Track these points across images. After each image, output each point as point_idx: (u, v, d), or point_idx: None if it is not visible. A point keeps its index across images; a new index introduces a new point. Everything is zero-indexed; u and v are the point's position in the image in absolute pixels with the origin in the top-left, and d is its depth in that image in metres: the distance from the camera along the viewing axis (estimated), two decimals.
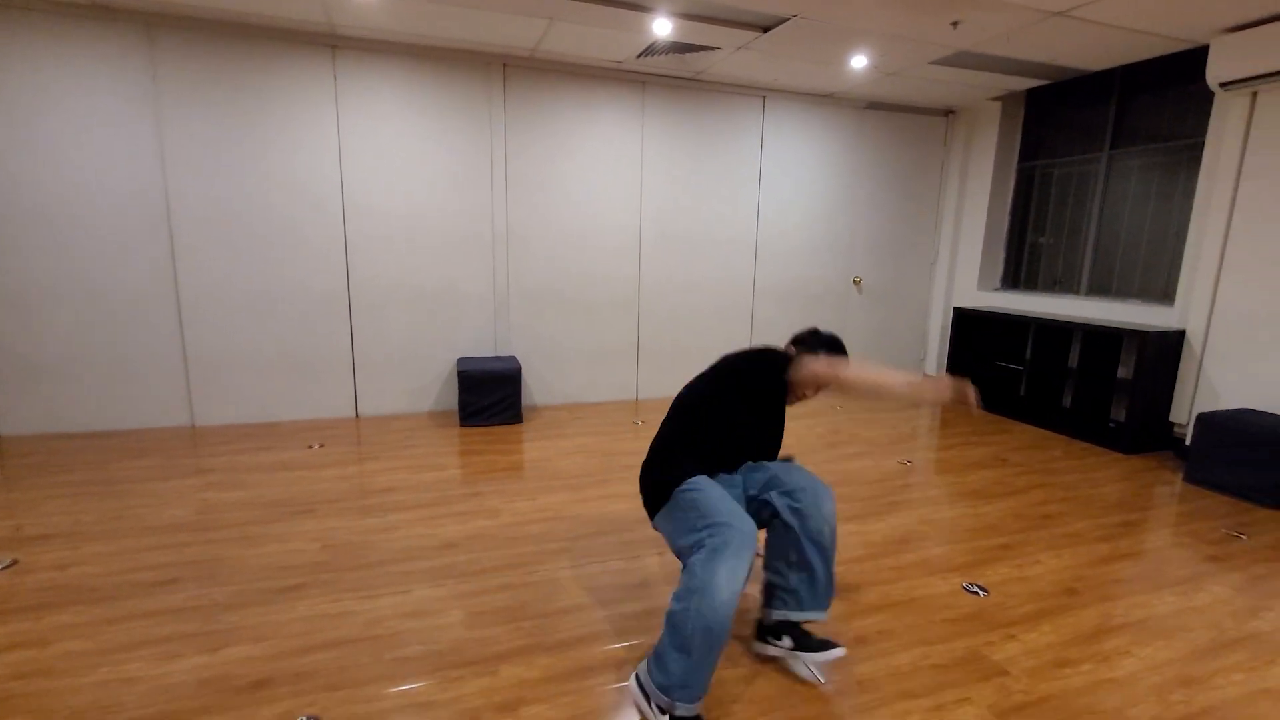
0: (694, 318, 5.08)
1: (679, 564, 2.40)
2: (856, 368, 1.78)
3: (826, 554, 1.73)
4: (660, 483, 1.75)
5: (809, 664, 1.78)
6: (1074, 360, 4.55)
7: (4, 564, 2.25)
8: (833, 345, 1.94)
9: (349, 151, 4.02)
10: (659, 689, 1.50)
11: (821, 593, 1.76)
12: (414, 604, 2.08)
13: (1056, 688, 1.76)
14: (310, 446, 3.67)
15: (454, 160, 4.25)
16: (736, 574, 1.48)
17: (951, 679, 1.78)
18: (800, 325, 5.42)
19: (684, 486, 1.69)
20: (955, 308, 5.23)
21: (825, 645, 1.73)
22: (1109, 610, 2.16)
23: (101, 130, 3.57)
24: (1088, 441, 4.16)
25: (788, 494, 1.75)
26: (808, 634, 1.77)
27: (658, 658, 1.53)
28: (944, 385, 1.72)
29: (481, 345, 4.54)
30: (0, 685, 1.65)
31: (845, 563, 2.44)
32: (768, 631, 1.83)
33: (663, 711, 1.51)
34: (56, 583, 2.15)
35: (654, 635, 1.94)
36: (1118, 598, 2.24)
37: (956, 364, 5.21)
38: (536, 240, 4.54)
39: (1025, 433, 4.37)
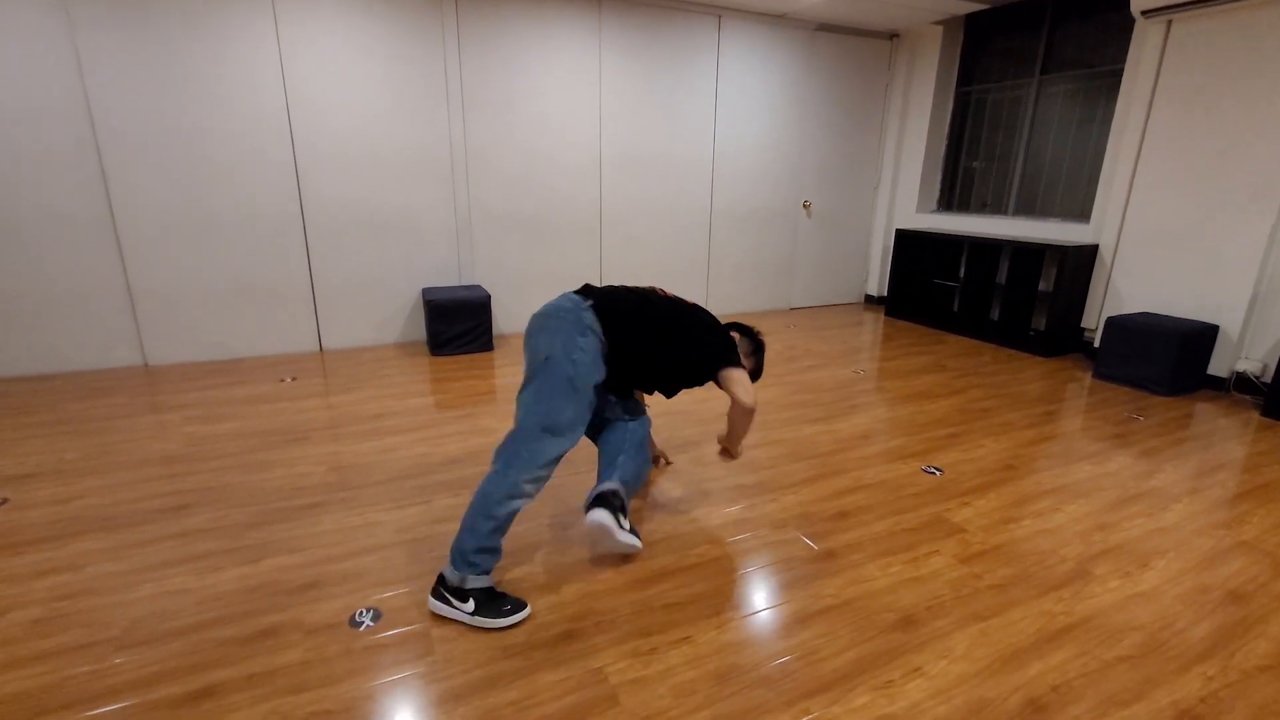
0: (655, 240, 5.17)
1: (677, 463, 2.62)
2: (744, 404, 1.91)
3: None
4: (573, 334, 1.83)
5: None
6: (1002, 276, 4.98)
7: None
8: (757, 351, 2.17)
9: (292, 66, 3.75)
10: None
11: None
12: (438, 512, 2.21)
13: (1005, 538, 2.11)
14: (282, 380, 3.61)
15: (406, 79, 4.05)
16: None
17: (922, 538, 2.10)
18: (755, 249, 5.62)
19: (583, 368, 1.76)
20: (897, 229, 5.55)
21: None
22: (1040, 480, 2.55)
23: (2, 38, 3.18)
24: (1012, 348, 4.64)
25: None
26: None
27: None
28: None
29: (445, 273, 4.48)
30: (48, 605, 1.68)
31: (820, 455, 2.73)
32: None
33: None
34: (62, 515, 2.13)
35: (660, 523, 2.17)
36: (1046, 470, 2.64)
37: (898, 283, 5.59)
38: (497, 162, 4.44)
39: (959, 343, 4.81)
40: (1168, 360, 3.58)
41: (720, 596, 1.79)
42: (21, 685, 1.42)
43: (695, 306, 2.01)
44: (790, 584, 1.85)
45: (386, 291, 4.36)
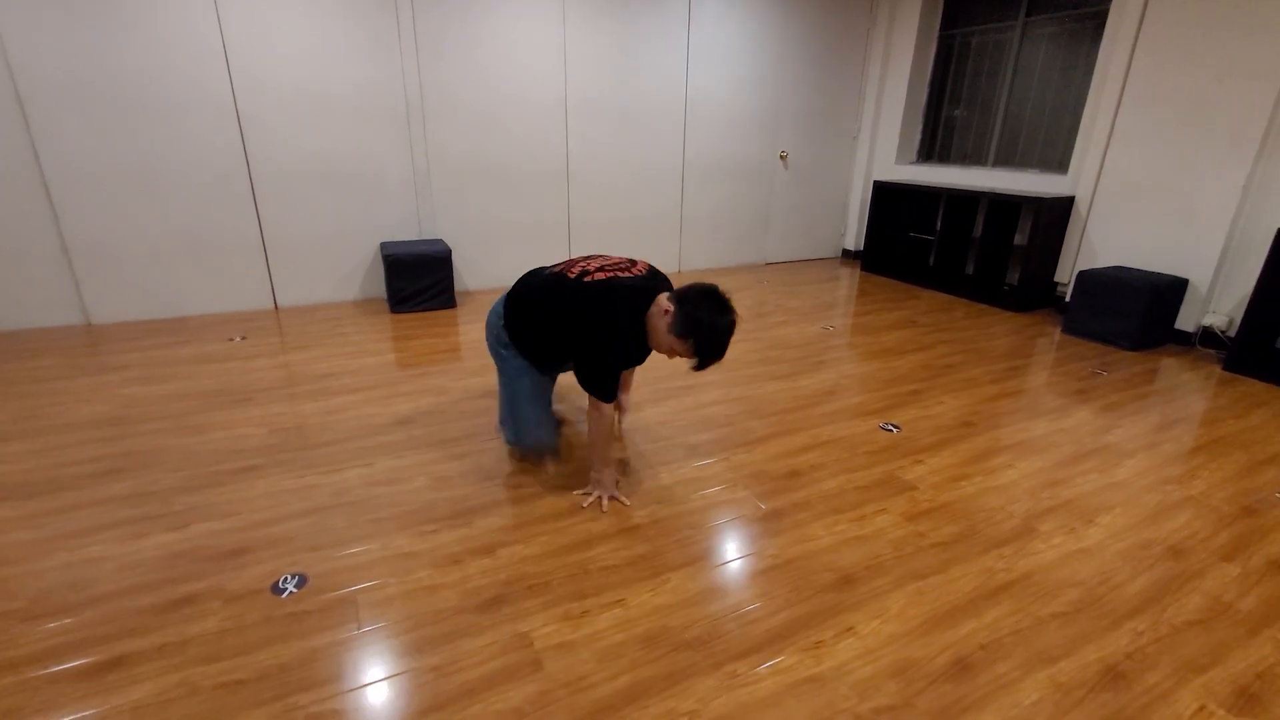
0: (625, 191, 5.00)
1: (629, 422, 2.57)
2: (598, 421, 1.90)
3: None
4: (497, 347, 2.08)
5: None
6: (978, 229, 4.89)
7: None
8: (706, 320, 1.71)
9: (226, 2, 3.48)
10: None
11: None
12: (378, 474, 2.14)
13: (954, 496, 2.09)
14: (232, 339, 3.48)
15: (353, 14, 3.78)
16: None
17: (871, 496, 2.08)
18: (729, 202, 5.46)
19: (510, 372, 2.06)
20: (875, 181, 5.41)
21: None
22: (997, 436, 2.52)
23: None
24: (985, 304, 4.59)
25: None
26: None
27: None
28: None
29: (405, 227, 4.31)
30: None
31: (779, 413, 2.68)
32: None
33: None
34: None
35: (619, 479, 2.12)
36: (1004, 426, 2.61)
37: (874, 237, 5.48)
38: (455, 109, 4.22)
39: (933, 298, 4.75)
40: (1135, 315, 3.54)
41: (660, 558, 1.75)
42: None
43: (590, 293, 1.83)
44: (733, 545, 1.82)
45: (343, 246, 4.19)
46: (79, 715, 1.24)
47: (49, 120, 3.30)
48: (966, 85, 5.19)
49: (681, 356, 1.79)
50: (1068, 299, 3.99)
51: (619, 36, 4.56)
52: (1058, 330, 3.97)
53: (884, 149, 5.69)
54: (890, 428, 2.57)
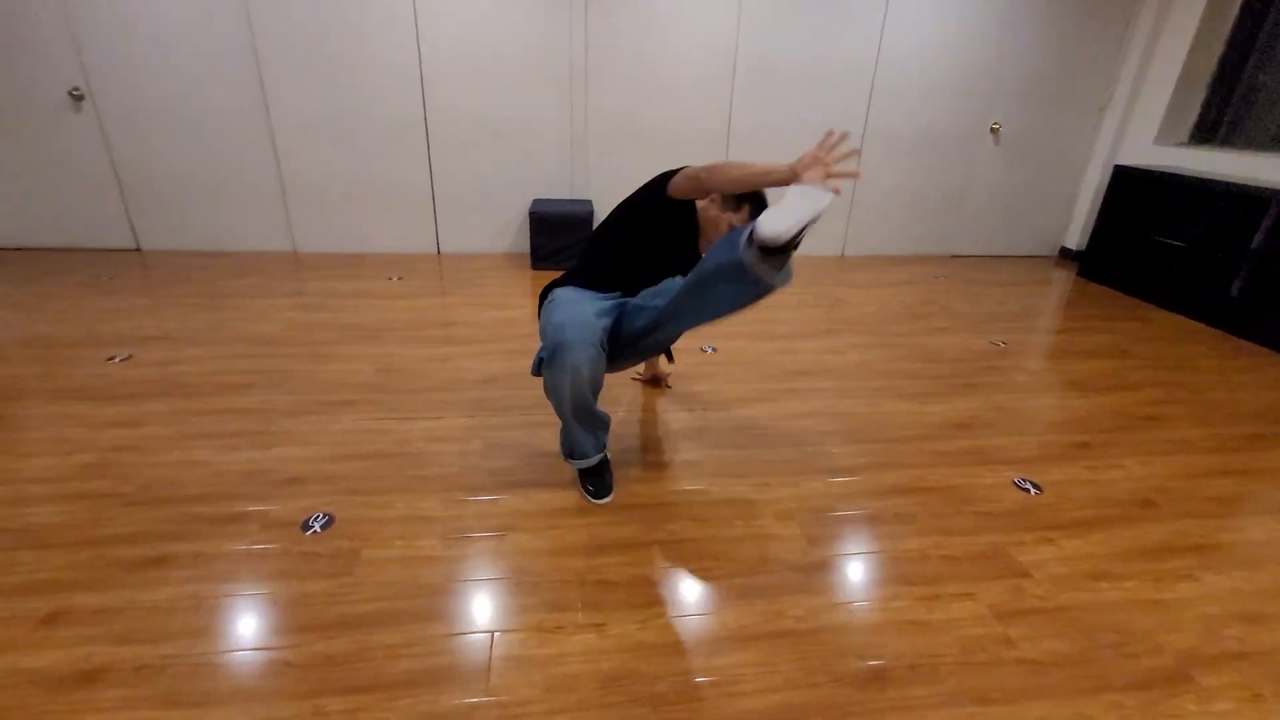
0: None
1: (697, 422, 2.35)
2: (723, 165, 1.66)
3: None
4: (542, 294, 1.97)
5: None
6: (1259, 239, 3.65)
7: (123, 356, 2.64)
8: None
9: None
10: (562, 453, 1.92)
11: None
12: (442, 430, 2.21)
13: (1081, 599, 1.58)
14: (390, 279, 3.86)
15: None
16: (568, 374, 1.64)
17: (959, 572, 1.65)
18: (914, 179, 4.75)
19: (550, 296, 1.85)
20: (1116, 165, 4.29)
21: None
22: (1187, 529, 1.86)
23: None
24: (1247, 339, 3.45)
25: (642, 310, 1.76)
26: None
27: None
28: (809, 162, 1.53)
29: (558, 186, 4.40)
30: (101, 454, 1.99)
31: (884, 441, 2.27)
32: None
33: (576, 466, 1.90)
34: (158, 377, 2.49)
35: (644, 486, 1.95)
36: (1204, 516, 1.92)
37: (1103, 235, 4.40)
38: (617, 69, 4.13)
39: (1168, 323, 3.70)
40: None
41: (667, 586, 1.57)
42: (44, 519, 1.69)
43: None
44: (756, 591, 1.56)
45: (500, 200, 4.40)
46: (112, 600, 1.44)
47: (277, 74, 3.85)
48: None
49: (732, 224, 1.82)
50: None
51: None
52: None
53: (1141, 124, 4.47)
54: (1027, 486, 2.03)
